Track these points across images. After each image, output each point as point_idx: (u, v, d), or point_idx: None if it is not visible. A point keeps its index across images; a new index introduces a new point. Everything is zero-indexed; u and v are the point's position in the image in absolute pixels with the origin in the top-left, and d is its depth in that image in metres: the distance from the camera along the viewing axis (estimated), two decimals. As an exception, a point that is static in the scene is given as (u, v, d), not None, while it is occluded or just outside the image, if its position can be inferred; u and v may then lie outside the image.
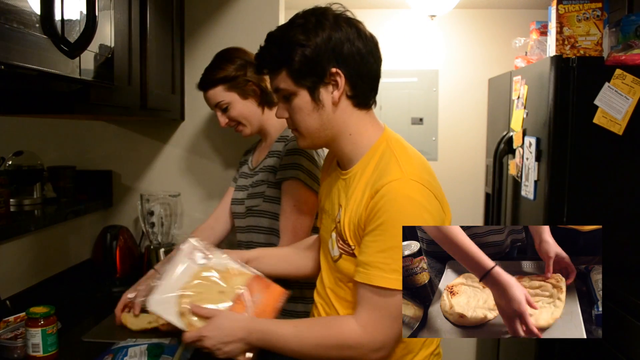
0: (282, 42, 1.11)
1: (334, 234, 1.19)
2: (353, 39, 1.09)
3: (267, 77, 1.66)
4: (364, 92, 1.14)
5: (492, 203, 2.74)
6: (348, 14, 1.14)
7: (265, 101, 1.71)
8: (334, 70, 1.09)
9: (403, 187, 1.04)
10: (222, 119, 1.72)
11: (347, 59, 1.09)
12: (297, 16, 1.13)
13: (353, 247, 1.12)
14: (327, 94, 1.12)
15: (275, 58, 1.13)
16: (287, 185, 1.58)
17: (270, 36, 1.15)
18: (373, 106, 1.20)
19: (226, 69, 1.67)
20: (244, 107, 1.69)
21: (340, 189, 1.21)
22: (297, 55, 1.09)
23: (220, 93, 1.68)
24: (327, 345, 1.08)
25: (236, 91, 1.67)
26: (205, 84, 1.71)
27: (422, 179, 1.06)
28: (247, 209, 1.70)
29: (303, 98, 1.12)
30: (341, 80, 1.10)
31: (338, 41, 1.08)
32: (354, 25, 1.12)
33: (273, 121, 1.71)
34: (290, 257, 1.43)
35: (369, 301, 1.06)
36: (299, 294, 1.60)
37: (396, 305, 1.04)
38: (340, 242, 1.16)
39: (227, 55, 1.72)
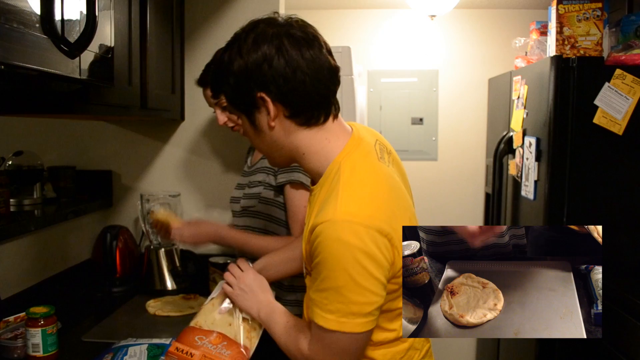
0: (215, 69, 1.11)
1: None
2: (270, 59, 1.01)
3: None
4: (304, 109, 1.05)
5: (492, 203, 2.74)
6: (288, 22, 1.05)
7: None
8: (259, 95, 1.03)
9: (334, 230, 0.97)
10: (221, 117, 1.70)
11: (266, 81, 1.02)
12: (234, 35, 1.08)
13: (309, 270, 1.10)
14: (263, 118, 1.07)
15: (216, 85, 1.12)
16: (290, 189, 1.58)
17: (213, 59, 1.16)
18: (331, 119, 1.09)
19: None
20: None
21: (309, 205, 1.17)
22: (225, 85, 1.08)
23: None
24: (291, 354, 1.15)
25: None
26: (206, 81, 1.70)
27: (357, 216, 0.97)
28: (243, 209, 1.70)
29: (245, 122, 1.11)
30: (268, 105, 1.03)
31: (254, 66, 1.02)
32: (276, 41, 1.02)
33: None
34: (297, 253, 1.42)
35: (314, 333, 1.06)
36: (288, 281, 1.62)
37: (338, 342, 1.02)
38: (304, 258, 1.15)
39: None
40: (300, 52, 1.02)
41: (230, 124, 1.71)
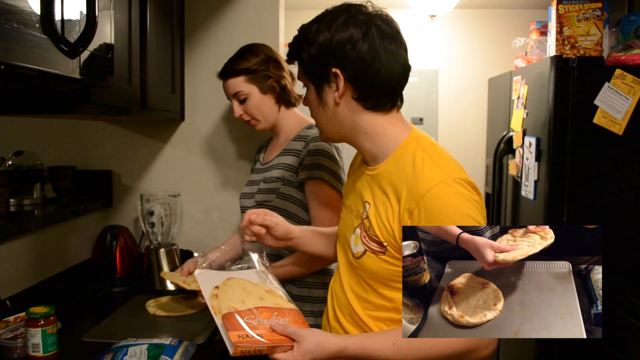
0: (299, 36, 1.15)
1: (358, 230, 1.17)
2: (356, 42, 1.07)
3: (287, 76, 1.70)
4: (373, 96, 1.12)
5: (492, 203, 2.74)
6: (377, 13, 1.11)
7: (283, 99, 1.73)
8: (334, 70, 1.10)
9: (452, 187, 1.06)
10: (238, 110, 1.73)
11: (346, 61, 1.09)
12: (325, 11, 1.14)
13: (385, 245, 1.10)
14: (330, 93, 1.13)
15: (293, 51, 1.17)
16: (312, 185, 1.61)
17: (299, 28, 1.17)
18: (396, 110, 1.17)
19: (250, 60, 1.69)
20: (261, 102, 1.70)
21: (365, 185, 1.19)
22: (304, 52, 1.12)
23: (240, 83, 1.70)
24: (435, 356, 1.06)
25: (256, 84, 1.69)
26: (227, 73, 1.73)
27: (460, 175, 1.09)
28: (258, 204, 1.72)
29: (312, 92, 1.16)
30: (340, 82, 1.10)
31: (339, 43, 1.08)
32: (364, 27, 1.08)
33: (289, 120, 1.75)
34: (329, 239, 1.44)
35: None
36: (307, 292, 1.65)
37: None
38: (367, 239, 1.14)
39: (253, 49, 1.75)
40: (383, 43, 1.09)
41: (247, 118, 1.74)
